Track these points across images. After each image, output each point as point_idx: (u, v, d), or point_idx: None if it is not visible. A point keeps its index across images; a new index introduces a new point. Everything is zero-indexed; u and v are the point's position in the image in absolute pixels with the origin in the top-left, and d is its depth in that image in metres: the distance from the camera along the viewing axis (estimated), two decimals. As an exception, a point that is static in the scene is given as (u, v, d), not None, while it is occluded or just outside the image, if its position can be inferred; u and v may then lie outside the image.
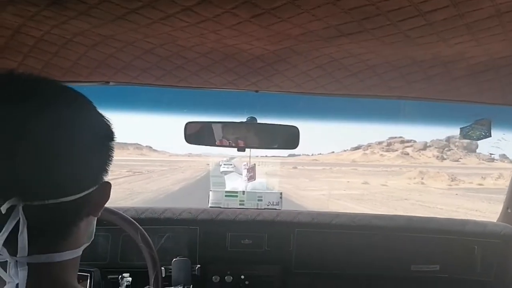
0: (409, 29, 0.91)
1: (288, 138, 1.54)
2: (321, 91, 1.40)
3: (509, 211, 1.79)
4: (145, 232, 1.34)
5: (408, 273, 1.75)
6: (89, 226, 0.68)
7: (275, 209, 1.81)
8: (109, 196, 0.67)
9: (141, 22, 0.90)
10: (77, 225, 0.62)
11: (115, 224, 1.37)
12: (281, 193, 1.84)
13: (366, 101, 1.56)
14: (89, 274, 1.51)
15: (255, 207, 1.81)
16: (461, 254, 1.76)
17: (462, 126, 1.59)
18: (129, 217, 1.36)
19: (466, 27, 0.89)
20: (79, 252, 0.64)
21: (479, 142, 1.54)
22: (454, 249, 1.75)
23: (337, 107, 1.69)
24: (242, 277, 1.69)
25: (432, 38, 0.97)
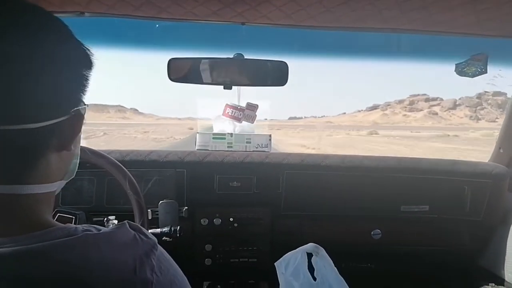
0: None
1: (277, 75, 1.49)
2: (312, 22, 1.34)
3: (501, 151, 1.79)
4: (133, 178, 1.37)
5: (398, 214, 1.78)
6: (65, 162, 0.65)
7: (264, 151, 1.77)
8: (80, 129, 0.64)
9: None
10: (46, 157, 0.58)
11: (101, 168, 1.35)
12: (270, 135, 1.80)
13: (360, 35, 1.48)
14: (74, 217, 1.47)
15: (244, 150, 1.77)
16: (451, 194, 1.78)
17: (457, 62, 1.52)
18: (117, 162, 1.32)
19: None
20: (53, 187, 0.62)
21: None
22: (444, 190, 1.77)
23: (331, 42, 1.61)
24: (231, 219, 1.71)
25: None
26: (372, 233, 1.83)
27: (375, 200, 1.84)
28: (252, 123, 1.88)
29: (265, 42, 1.64)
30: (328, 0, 1.25)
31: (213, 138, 1.86)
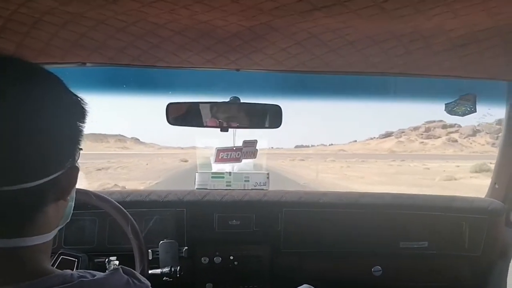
0: (384, 1, 0.89)
1: (271, 117, 1.56)
2: (303, 68, 1.42)
3: (496, 186, 1.81)
4: (135, 223, 1.40)
5: (397, 250, 1.80)
6: (61, 210, 0.67)
7: (262, 189, 1.81)
8: (76, 180, 0.66)
9: None
10: (43, 210, 0.61)
11: (102, 209, 1.36)
12: (268, 173, 1.84)
13: (350, 78, 1.55)
14: (76, 260, 1.52)
15: (242, 188, 1.81)
16: (449, 230, 1.81)
17: (447, 102, 1.57)
18: (120, 206, 1.38)
19: None
20: (50, 236, 0.64)
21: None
22: (442, 226, 1.80)
23: (324, 84, 1.68)
24: (231, 257, 1.74)
25: (408, 10, 0.96)
26: (372, 269, 1.84)
27: (374, 236, 1.86)
28: (255, 158, 1.93)
29: (260, 86, 1.74)
30: (317, 48, 1.31)
31: (212, 177, 1.91)
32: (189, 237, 1.81)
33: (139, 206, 1.78)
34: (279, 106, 1.57)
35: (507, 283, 1.76)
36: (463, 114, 1.65)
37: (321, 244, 1.88)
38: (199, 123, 1.59)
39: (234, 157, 1.86)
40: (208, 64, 1.45)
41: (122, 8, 1.00)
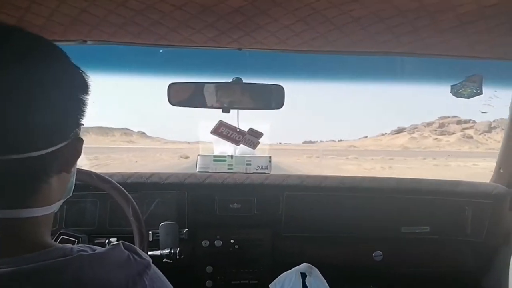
0: None
1: (274, 98, 1.53)
2: (306, 47, 1.39)
3: (501, 171, 1.79)
4: (136, 205, 1.44)
5: (399, 235, 1.78)
6: (64, 183, 0.67)
7: (264, 173, 1.79)
8: (80, 152, 0.67)
9: None
10: (47, 181, 0.60)
11: (103, 190, 1.40)
12: (270, 157, 1.82)
13: (354, 59, 1.52)
14: (76, 240, 1.52)
15: (244, 171, 1.79)
16: (452, 215, 1.78)
17: (452, 84, 1.54)
18: (122, 188, 1.38)
19: None
20: (52, 208, 0.64)
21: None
22: (445, 210, 1.78)
23: (327, 65, 1.66)
24: (232, 241, 1.73)
25: None
26: (373, 254, 1.83)
27: (375, 221, 1.85)
28: (254, 149, 1.89)
29: (263, 66, 1.71)
30: (321, 26, 1.29)
31: (214, 160, 1.90)
32: (190, 220, 1.81)
33: (141, 188, 1.77)
34: (281, 86, 1.55)
35: (510, 268, 1.74)
36: (469, 96, 1.62)
37: (322, 229, 1.87)
38: (201, 104, 1.58)
39: (234, 137, 1.83)
40: (210, 42, 1.43)
41: None
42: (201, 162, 1.90)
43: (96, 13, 1.21)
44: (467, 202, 1.85)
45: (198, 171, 1.90)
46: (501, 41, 1.33)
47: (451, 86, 1.64)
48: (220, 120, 1.80)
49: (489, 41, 1.34)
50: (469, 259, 1.87)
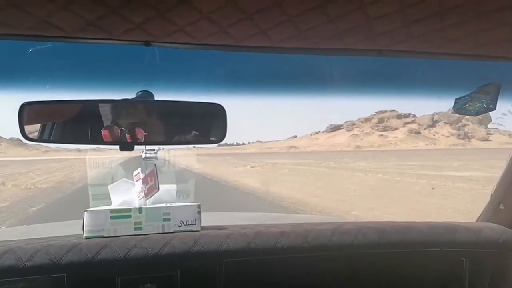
0: None
1: (211, 125, 0.91)
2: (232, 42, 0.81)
3: (501, 207, 1.36)
4: None
5: None
6: None
7: (192, 230, 1.18)
8: None
9: None
10: None
11: None
12: (199, 205, 1.22)
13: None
14: None
15: (160, 231, 1.16)
16: (445, 270, 1.29)
17: (457, 97, 1.09)
18: None
19: None
20: None
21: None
22: (436, 265, 1.28)
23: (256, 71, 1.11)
24: None
25: None
26: None
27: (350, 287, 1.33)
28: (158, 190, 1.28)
29: (184, 71, 1.07)
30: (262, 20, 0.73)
31: (112, 217, 1.23)
32: None
33: None
34: (221, 106, 0.95)
35: None
36: (476, 113, 1.19)
37: None
38: (80, 139, 0.91)
39: (152, 185, 1.20)
40: (91, 30, 0.78)
41: None
42: (91, 223, 1.22)
43: None
44: (465, 252, 1.41)
45: (86, 237, 1.22)
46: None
47: (455, 99, 1.20)
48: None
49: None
50: None
